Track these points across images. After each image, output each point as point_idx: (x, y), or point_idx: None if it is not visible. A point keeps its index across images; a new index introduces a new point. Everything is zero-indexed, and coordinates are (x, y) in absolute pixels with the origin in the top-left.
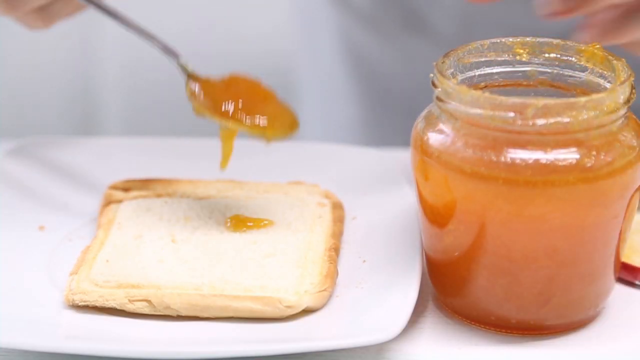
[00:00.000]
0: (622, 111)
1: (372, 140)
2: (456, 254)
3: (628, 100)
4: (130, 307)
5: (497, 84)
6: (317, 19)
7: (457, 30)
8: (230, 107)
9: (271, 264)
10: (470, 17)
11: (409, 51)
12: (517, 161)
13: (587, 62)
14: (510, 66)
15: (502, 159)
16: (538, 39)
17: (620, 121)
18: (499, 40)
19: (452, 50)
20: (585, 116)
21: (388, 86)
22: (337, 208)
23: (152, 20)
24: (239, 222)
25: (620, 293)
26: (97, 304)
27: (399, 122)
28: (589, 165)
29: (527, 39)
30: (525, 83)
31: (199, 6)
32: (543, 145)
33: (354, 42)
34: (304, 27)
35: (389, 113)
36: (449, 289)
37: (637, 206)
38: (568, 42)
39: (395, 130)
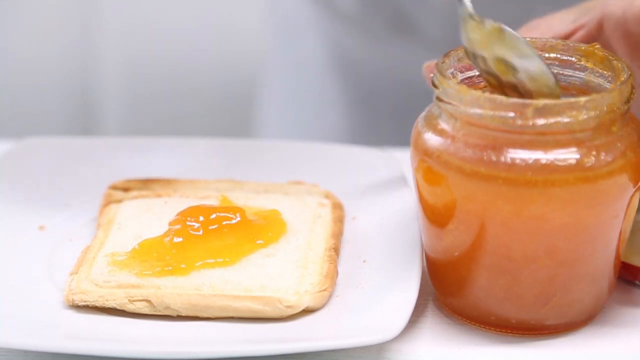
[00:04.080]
0: (622, 111)
1: (359, 144)
2: (456, 254)
3: (628, 100)
4: (130, 307)
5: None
6: (301, 23)
7: (446, 33)
8: None
9: (271, 263)
10: (458, 19)
11: (397, 54)
12: (517, 161)
13: (587, 62)
14: None
15: (502, 159)
16: (538, 39)
17: (620, 121)
18: None
19: (452, 50)
20: (585, 116)
21: (376, 90)
22: (337, 208)
23: (129, 20)
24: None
25: (620, 293)
26: (97, 304)
27: (387, 126)
28: (589, 165)
29: (527, 38)
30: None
31: (172, 6)
32: (543, 145)
33: (341, 46)
34: (286, 31)
35: (377, 117)
36: (449, 289)
37: (637, 206)
38: (568, 42)
39: (383, 133)
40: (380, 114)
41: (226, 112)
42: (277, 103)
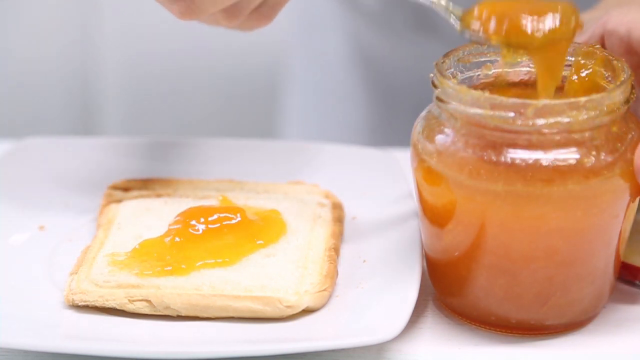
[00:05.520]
0: (622, 111)
1: (379, 141)
2: (456, 253)
3: (628, 100)
4: (130, 307)
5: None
6: (323, 20)
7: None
8: None
9: (271, 264)
10: None
11: (419, 51)
12: (517, 161)
13: (587, 61)
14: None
15: (502, 159)
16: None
17: (620, 121)
18: None
19: (452, 50)
20: (585, 116)
21: (397, 87)
22: (337, 208)
23: (129, 20)
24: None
25: (620, 293)
26: (97, 304)
27: (407, 123)
28: (589, 165)
29: None
30: (525, 83)
31: None
32: (543, 145)
33: (362, 43)
34: (307, 27)
35: (397, 114)
36: (449, 289)
37: (637, 206)
38: None
39: (402, 131)
40: (401, 110)
41: (228, 111)
42: (299, 100)
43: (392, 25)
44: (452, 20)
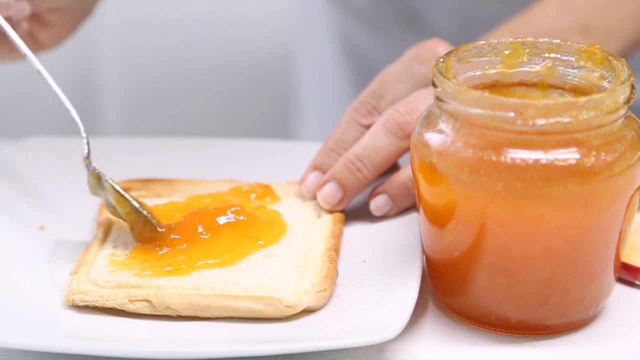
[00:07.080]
0: (622, 111)
1: None
2: (456, 253)
3: (628, 100)
4: (130, 307)
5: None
6: (315, 17)
7: (455, 28)
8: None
9: (271, 264)
10: (467, 15)
11: (407, 49)
12: (517, 161)
13: (587, 62)
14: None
15: (502, 159)
16: (538, 39)
17: (620, 121)
18: (498, 41)
19: (452, 50)
20: (585, 116)
21: None
22: None
23: (153, 10)
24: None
25: (620, 293)
26: (97, 304)
27: None
28: (589, 165)
29: (527, 39)
30: (525, 83)
31: (175, 4)
32: (543, 145)
33: (351, 40)
34: (302, 26)
35: None
36: (449, 289)
37: (637, 206)
38: (568, 42)
39: None
40: None
41: (229, 111)
42: (301, 99)
43: (380, 23)
44: None
